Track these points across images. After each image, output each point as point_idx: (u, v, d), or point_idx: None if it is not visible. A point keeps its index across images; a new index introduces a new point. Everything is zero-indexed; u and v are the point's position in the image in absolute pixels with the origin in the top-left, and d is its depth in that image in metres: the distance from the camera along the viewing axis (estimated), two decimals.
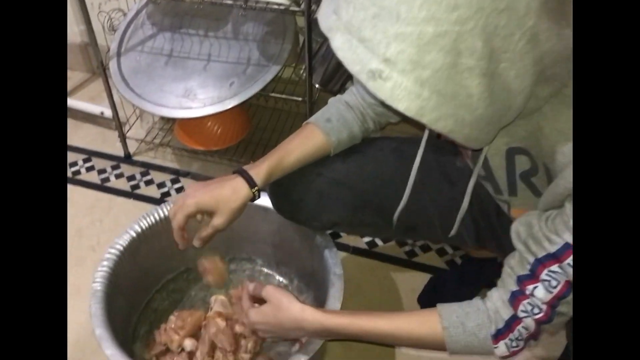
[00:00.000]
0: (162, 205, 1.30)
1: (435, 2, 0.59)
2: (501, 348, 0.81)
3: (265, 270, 1.42)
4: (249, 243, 1.40)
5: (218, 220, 1.01)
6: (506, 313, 0.80)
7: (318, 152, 1.06)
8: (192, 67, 1.59)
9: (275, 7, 1.35)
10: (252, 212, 1.30)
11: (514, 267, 0.79)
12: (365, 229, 1.23)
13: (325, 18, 0.69)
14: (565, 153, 0.71)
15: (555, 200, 0.75)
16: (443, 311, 0.86)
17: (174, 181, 1.72)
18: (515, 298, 0.78)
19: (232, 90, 1.52)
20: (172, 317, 1.26)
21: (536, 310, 0.77)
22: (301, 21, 1.45)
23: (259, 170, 1.02)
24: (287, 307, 0.94)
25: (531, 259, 0.76)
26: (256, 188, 1.01)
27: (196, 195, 1.01)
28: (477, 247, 1.14)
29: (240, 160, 1.70)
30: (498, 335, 0.81)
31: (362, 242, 1.53)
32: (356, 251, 1.50)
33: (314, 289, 1.32)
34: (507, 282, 0.80)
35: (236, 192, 1.00)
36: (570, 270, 0.72)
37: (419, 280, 1.41)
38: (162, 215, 1.28)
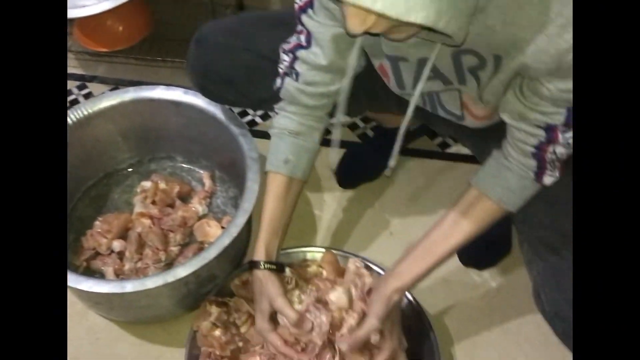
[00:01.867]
0: (72, 110, 1.25)
1: None
2: (548, 180, 0.89)
3: (186, 166, 1.43)
4: (166, 141, 1.39)
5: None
6: (534, 162, 0.87)
7: (294, 195, 1.07)
8: None
9: None
10: (163, 108, 1.29)
11: (524, 139, 0.85)
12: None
13: None
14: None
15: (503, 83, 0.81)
16: (487, 190, 0.92)
17: (80, 87, 1.66)
18: (538, 155, 0.86)
19: None
20: (97, 222, 1.27)
21: (559, 155, 0.85)
22: None
23: (259, 253, 1.03)
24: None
25: (541, 132, 0.82)
26: (264, 265, 1.02)
27: (259, 318, 1.02)
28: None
29: (147, 58, 1.65)
30: (540, 177, 0.88)
31: None
32: None
33: (234, 178, 1.34)
34: (522, 147, 0.87)
35: (261, 284, 1.01)
36: None
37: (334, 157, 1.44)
38: (73, 120, 1.25)
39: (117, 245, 1.24)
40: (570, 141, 0.82)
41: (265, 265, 1.01)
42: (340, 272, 1.12)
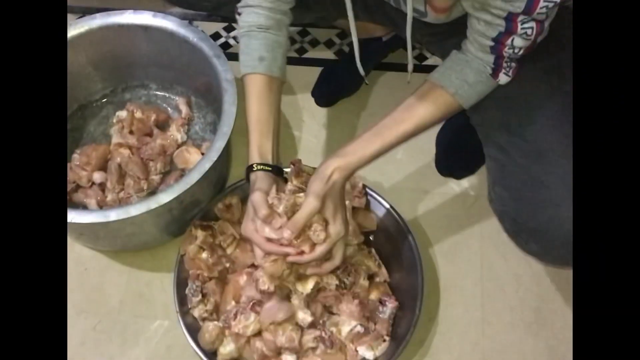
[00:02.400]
0: None
1: None
2: (503, 78, 0.92)
3: (161, 93, 1.40)
4: (139, 68, 1.36)
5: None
6: (491, 57, 0.89)
7: (277, 95, 1.02)
8: None
9: None
10: (133, 34, 1.26)
11: (484, 31, 0.86)
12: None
13: None
14: None
15: None
16: (442, 81, 0.93)
17: None
18: (496, 49, 0.87)
19: None
20: (75, 155, 1.26)
21: (516, 50, 0.87)
22: None
23: (252, 156, 0.99)
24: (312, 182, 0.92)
25: (500, 21, 0.83)
26: (257, 167, 0.98)
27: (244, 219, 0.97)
28: (367, 20, 1.16)
29: None
30: (496, 72, 0.91)
31: None
32: None
33: (211, 103, 1.33)
34: (481, 41, 0.88)
35: (252, 185, 0.97)
36: (541, 17, 0.81)
37: (311, 75, 1.43)
38: None
39: (97, 177, 1.24)
40: (529, 32, 0.84)
41: (259, 167, 0.97)
42: None
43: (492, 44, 0.87)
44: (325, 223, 0.91)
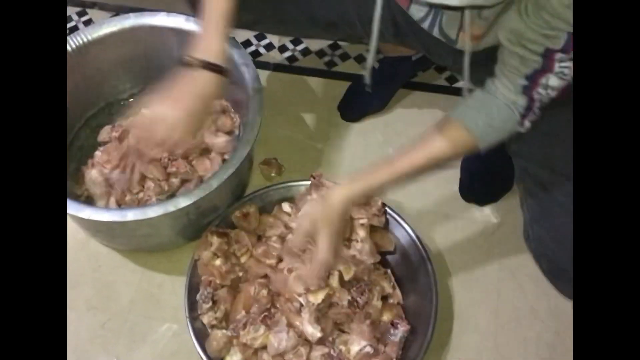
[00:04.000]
0: (71, 37, 1.23)
1: None
2: (527, 124, 0.88)
3: None
4: (168, 70, 1.34)
5: None
6: (523, 100, 0.85)
7: None
8: None
9: None
10: (165, 36, 1.27)
11: (517, 67, 0.82)
12: (286, 27, 1.21)
13: None
14: None
15: None
16: (467, 122, 0.88)
17: (80, 14, 1.62)
18: (529, 89, 0.83)
19: None
20: (97, 153, 1.26)
21: (550, 91, 0.83)
22: None
23: (204, 49, 0.91)
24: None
25: (537, 58, 0.79)
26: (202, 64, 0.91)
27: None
28: (397, 43, 1.15)
29: None
30: (523, 119, 0.87)
31: (283, 57, 1.51)
32: (278, 68, 1.49)
33: (237, 109, 1.32)
34: (513, 79, 0.84)
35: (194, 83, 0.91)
36: None
37: (338, 89, 1.43)
38: (73, 47, 1.22)
39: (117, 175, 1.24)
40: (566, 71, 0.80)
41: (209, 66, 0.90)
42: None
43: (525, 82, 0.83)
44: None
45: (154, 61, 1.33)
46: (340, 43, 1.53)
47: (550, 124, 0.90)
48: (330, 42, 1.53)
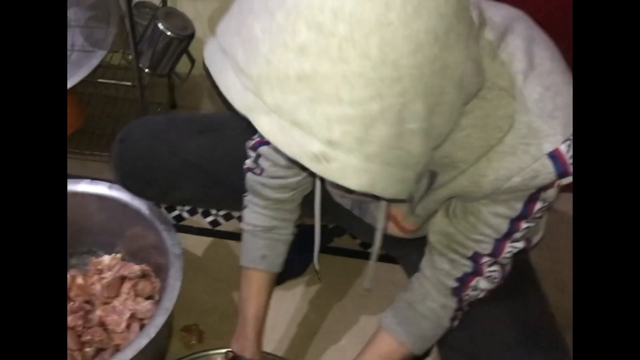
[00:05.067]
0: None
1: (380, 79, 0.55)
2: (456, 322, 0.92)
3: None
4: (88, 235, 1.36)
5: None
6: (453, 302, 0.88)
7: (273, 285, 1.09)
8: None
9: None
10: (87, 202, 1.27)
11: (448, 270, 0.86)
12: (216, 205, 1.25)
13: (239, 96, 0.59)
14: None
15: (437, 202, 0.83)
16: (402, 336, 0.92)
17: None
18: (460, 290, 0.87)
19: None
20: None
21: (479, 292, 0.87)
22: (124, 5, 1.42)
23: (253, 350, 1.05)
24: None
25: (466, 262, 0.84)
26: None
27: None
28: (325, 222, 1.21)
29: (75, 151, 1.63)
30: (453, 320, 0.91)
31: (206, 222, 1.54)
32: (201, 232, 1.51)
33: (162, 272, 1.31)
34: (444, 282, 0.87)
35: None
36: (505, 261, 0.84)
37: None
38: None
39: None
40: (495, 275, 0.85)
41: None
42: None
43: (455, 284, 0.86)
44: None
45: (74, 225, 1.32)
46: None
47: (473, 330, 0.93)
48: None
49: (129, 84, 1.51)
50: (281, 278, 1.40)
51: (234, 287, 1.39)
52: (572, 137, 0.69)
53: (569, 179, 0.72)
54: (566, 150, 0.70)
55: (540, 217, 0.80)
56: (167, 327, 1.18)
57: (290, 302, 1.39)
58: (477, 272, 0.84)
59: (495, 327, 0.93)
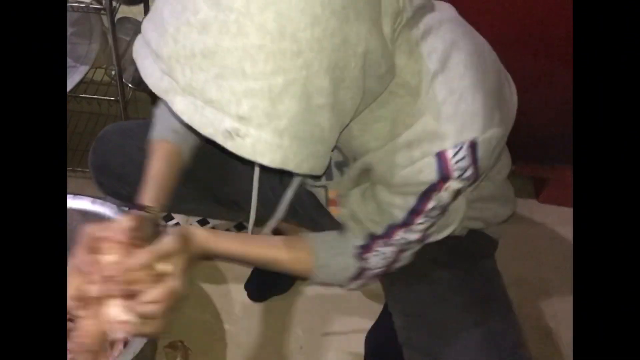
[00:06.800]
0: None
1: (280, 52, 0.57)
2: (353, 286, 0.92)
3: None
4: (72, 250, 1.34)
5: None
6: (356, 265, 0.89)
7: (178, 172, 1.01)
8: None
9: (76, 5, 1.30)
10: (69, 217, 1.25)
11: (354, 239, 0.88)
12: (187, 205, 1.23)
13: (156, 81, 0.62)
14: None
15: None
16: (317, 251, 0.91)
17: None
18: (360, 255, 0.88)
19: None
20: None
21: (380, 264, 0.88)
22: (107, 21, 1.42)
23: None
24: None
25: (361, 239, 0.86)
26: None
27: None
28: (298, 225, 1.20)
29: None
30: (352, 280, 0.91)
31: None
32: None
33: None
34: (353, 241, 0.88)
35: None
36: (398, 243, 0.84)
37: (247, 269, 1.44)
38: None
39: None
40: (388, 253, 0.86)
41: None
42: None
43: (357, 251, 0.88)
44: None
45: None
46: (245, 224, 1.57)
47: (434, 315, 0.93)
48: (235, 222, 1.57)
49: (112, 99, 1.50)
50: (266, 293, 1.40)
51: (220, 303, 1.38)
52: (466, 144, 0.71)
53: (458, 184, 0.74)
54: (452, 155, 0.71)
55: (436, 217, 0.81)
56: (152, 343, 1.16)
57: (276, 318, 1.38)
58: (368, 248, 0.86)
59: (457, 330, 0.93)
